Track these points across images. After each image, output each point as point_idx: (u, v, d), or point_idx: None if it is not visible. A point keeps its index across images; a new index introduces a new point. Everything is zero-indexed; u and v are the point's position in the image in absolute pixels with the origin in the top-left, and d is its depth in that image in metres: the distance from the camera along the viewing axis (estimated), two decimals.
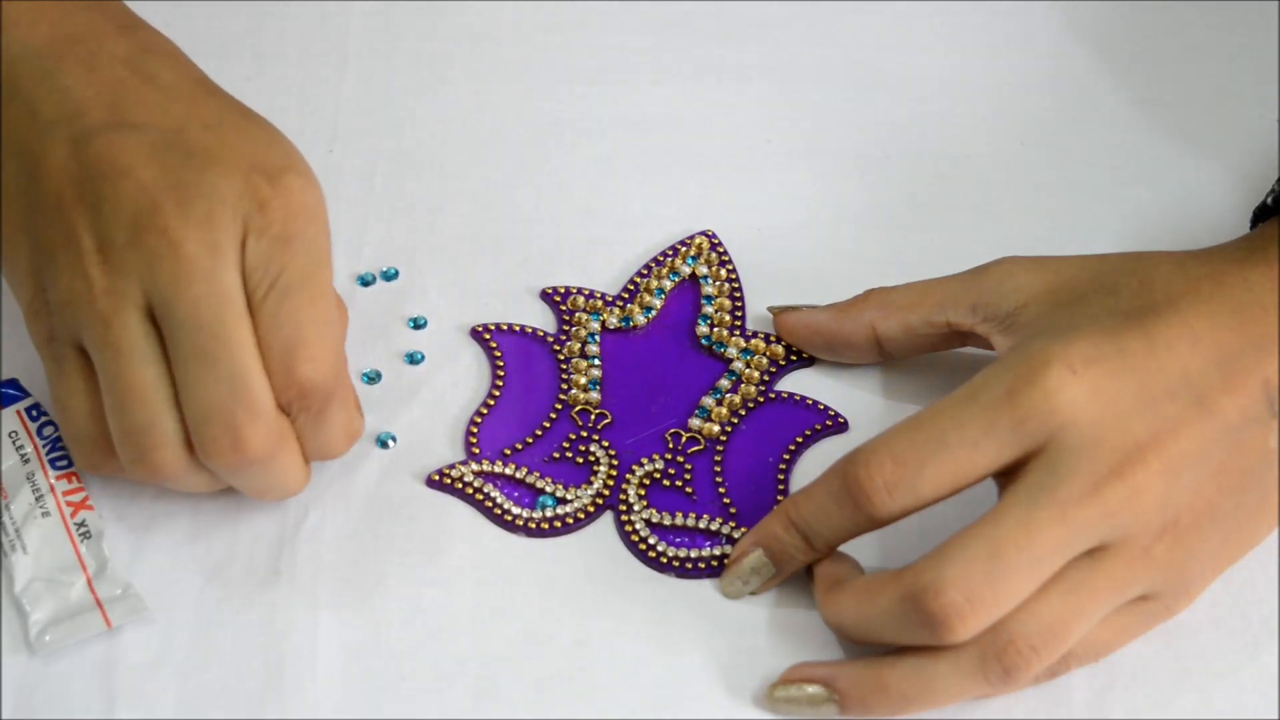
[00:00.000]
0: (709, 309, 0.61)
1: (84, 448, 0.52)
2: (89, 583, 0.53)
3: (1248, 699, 0.52)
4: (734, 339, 0.60)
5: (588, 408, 0.59)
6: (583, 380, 0.59)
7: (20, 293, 0.53)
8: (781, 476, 0.57)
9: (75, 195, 0.51)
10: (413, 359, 0.60)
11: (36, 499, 0.55)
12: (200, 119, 0.52)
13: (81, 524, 0.54)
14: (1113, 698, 0.52)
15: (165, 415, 0.50)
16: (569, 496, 0.56)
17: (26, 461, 0.55)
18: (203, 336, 0.49)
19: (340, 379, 0.52)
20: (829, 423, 0.58)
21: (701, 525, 0.56)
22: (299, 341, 0.50)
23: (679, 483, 0.57)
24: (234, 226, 0.50)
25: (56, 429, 0.56)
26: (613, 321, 0.61)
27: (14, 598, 0.53)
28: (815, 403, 0.59)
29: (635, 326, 0.61)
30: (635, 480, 0.57)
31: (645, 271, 0.62)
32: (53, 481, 0.55)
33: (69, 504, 0.55)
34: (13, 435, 0.56)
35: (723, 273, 0.62)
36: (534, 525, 0.56)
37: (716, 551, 0.55)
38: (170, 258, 0.49)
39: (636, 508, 0.56)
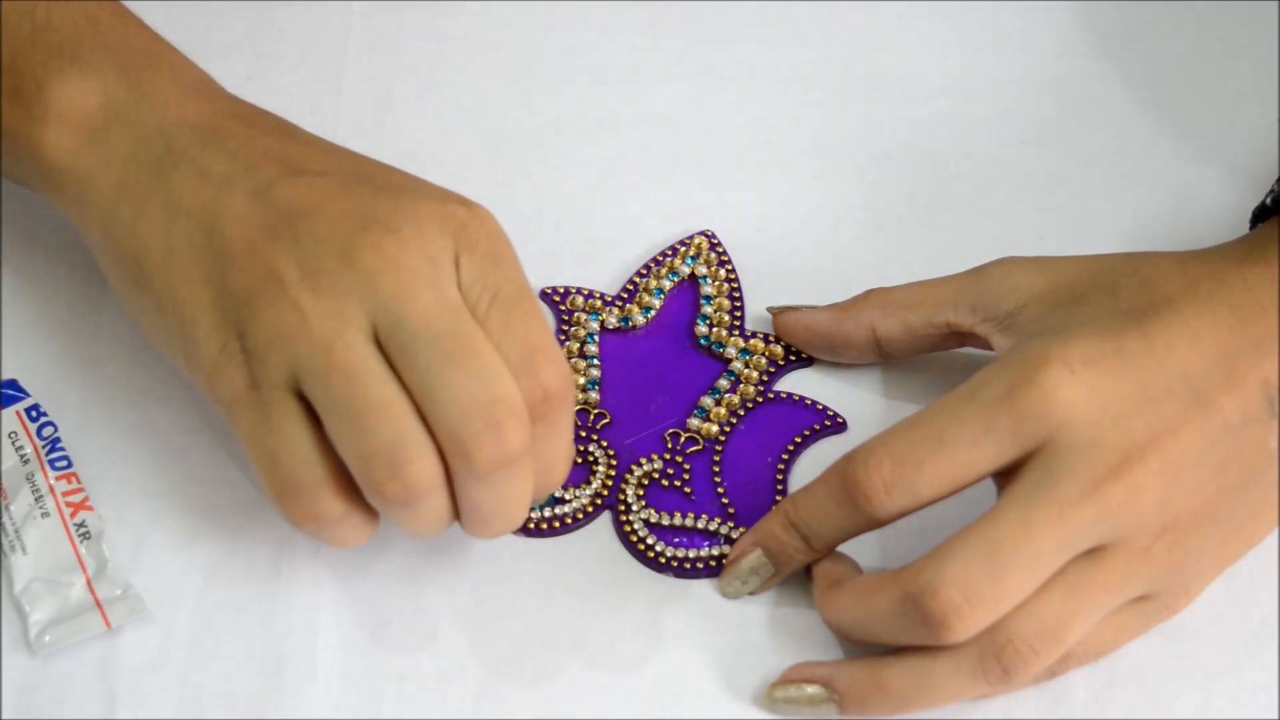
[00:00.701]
0: (708, 309, 0.61)
1: (306, 495, 0.49)
2: (89, 583, 0.53)
3: (1248, 699, 0.52)
4: (733, 339, 0.60)
5: (586, 407, 0.59)
6: (581, 380, 0.59)
7: (201, 350, 0.50)
8: (780, 477, 0.57)
9: (268, 237, 0.49)
10: None
11: (36, 499, 0.55)
12: (372, 165, 0.52)
13: (81, 524, 0.54)
14: (1113, 698, 0.52)
15: (415, 426, 0.48)
16: (567, 496, 0.56)
17: (26, 462, 0.55)
18: (444, 342, 0.48)
19: (573, 388, 0.51)
20: (828, 423, 0.58)
21: (700, 525, 0.56)
22: (538, 347, 0.49)
23: (677, 483, 0.57)
24: (445, 243, 0.49)
25: (56, 429, 0.56)
26: (612, 321, 0.61)
27: (14, 598, 0.53)
28: (814, 403, 0.59)
29: (634, 326, 0.61)
30: (634, 480, 0.57)
31: (644, 271, 0.62)
32: (52, 482, 0.55)
33: (68, 504, 0.55)
34: (12, 436, 0.56)
35: (722, 273, 0.62)
36: (532, 525, 0.56)
37: (715, 551, 0.55)
38: (391, 271, 0.48)
39: (635, 508, 0.56)
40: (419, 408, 0.48)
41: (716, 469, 0.57)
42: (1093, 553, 0.48)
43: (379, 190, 0.50)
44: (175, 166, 0.52)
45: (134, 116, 0.53)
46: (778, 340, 0.60)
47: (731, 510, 0.56)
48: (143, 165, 0.52)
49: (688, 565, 0.55)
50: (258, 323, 0.49)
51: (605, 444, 0.58)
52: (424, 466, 0.48)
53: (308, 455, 0.49)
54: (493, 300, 0.49)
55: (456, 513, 0.50)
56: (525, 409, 0.49)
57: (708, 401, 0.59)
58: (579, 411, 0.58)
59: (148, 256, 0.51)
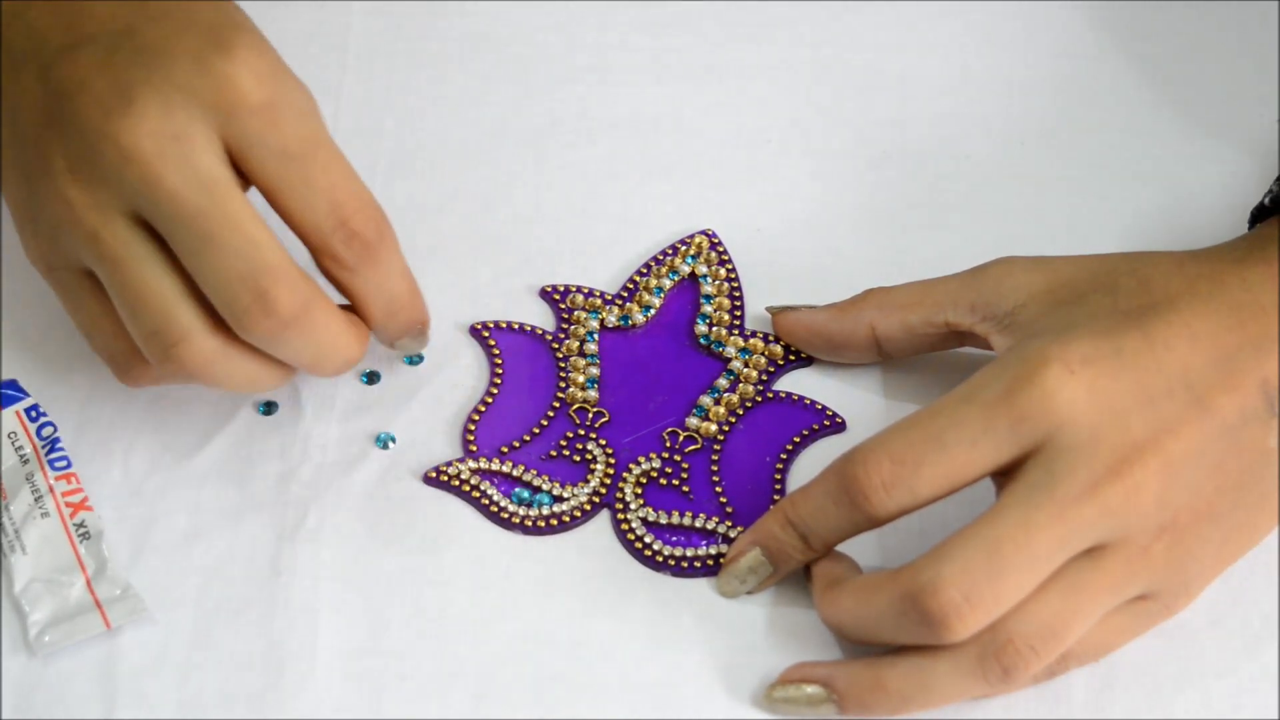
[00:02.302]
0: (708, 308, 0.61)
1: (119, 364, 0.53)
2: (88, 583, 0.53)
3: (1248, 699, 0.52)
4: (733, 338, 0.60)
5: (586, 406, 0.59)
6: (581, 379, 0.59)
7: (16, 226, 0.53)
8: (779, 476, 0.57)
9: (45, 121, 0.51)
10: (411, 360, 0.60)
11: (36, 500, 0.55)
12: (149, 14, 0.52)
13: (81, 524, 0.54)
14: (1113, 698, 0.52)
15: (180, 306, 0.50)
16: (565, 494, 0.56)
17: (26, 462, 0.56)
18: (200, 221, 0.48)
19: (391, 229, 0.51)
20: (827, 423, 0.58)
21: (698, 524, 0.56)
22: (344, 196, 0.50)
23: (676, 481, 0.57)
24: (198, 110, 0.49)
25: (56, 429, 0.56)
26: (611, 320, 0.61)
27: (13, 598, 0.53)
28: (813, 403, 0.59)
29: (634, 325, 0.61)
30: (632, 479, 0.57)
31: (644, 270, 0.62)
32: (52, 482, 0.55)
33: (68, 504, 0.55)
34: (12, 436, 0.56)
35: (722, 272, 0.62)
36: (530, 523, 0.56)
37: (713, 550, 0.55)
38: (133, 162, 0.49)
39: (633, 506, 0.56)
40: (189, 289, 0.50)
41: (715, 468, 0.57)
42: (1092, 552, 0.48)
43: (137, 55, 0.50)
44: (1, 42, 0.53)
45: None
46: (777, 340, 0.60)
47: (730, 509, 0.56)
48: None
49: (686, 564, 0.55)
50: (42, 209, 0.51)
51: (604, 442, 0.58)
52: (191, 346, 0.50)
53: (112, 329, 0.52)
54: (281, 158, 0.49)
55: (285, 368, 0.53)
56: (293, 269, 0.49)
57: (707, 401, 0.59)
58: (578, 410, 0.58)
59: None
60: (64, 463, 0.56)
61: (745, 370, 0.60)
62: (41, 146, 0.51)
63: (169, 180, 0.49)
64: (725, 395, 0.59)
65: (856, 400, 0.59)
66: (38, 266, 0.53)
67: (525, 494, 0.56)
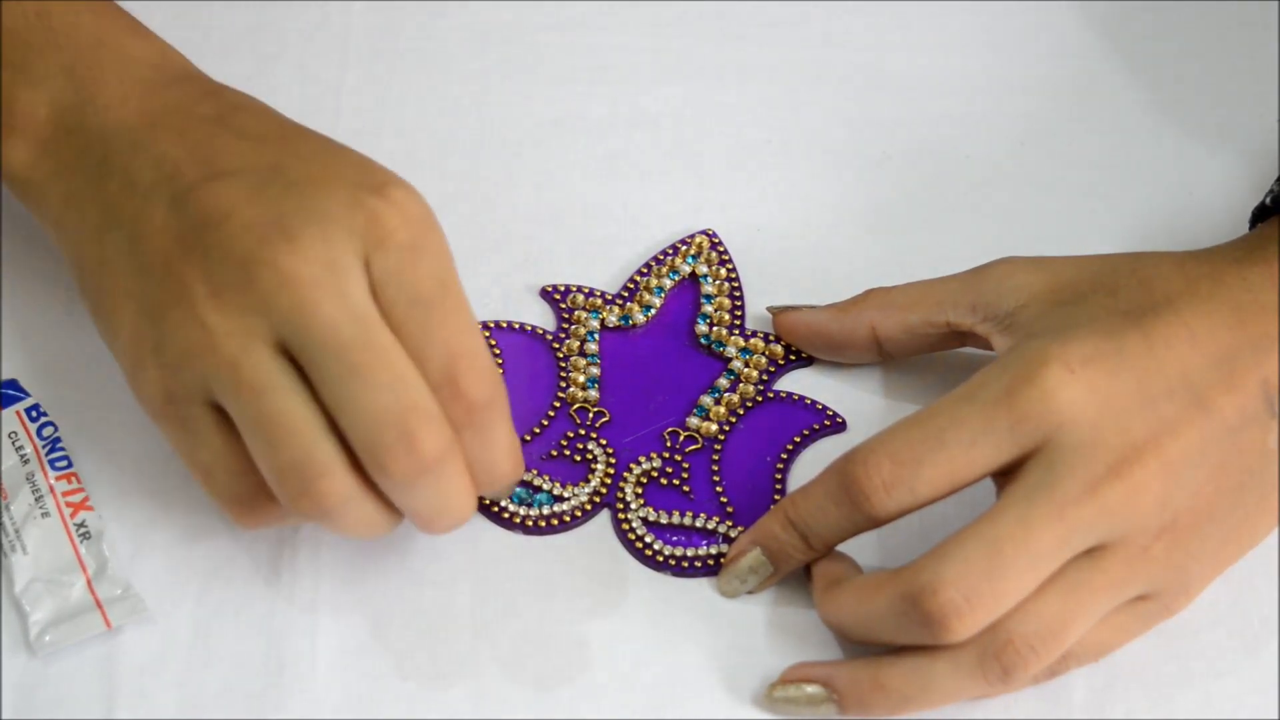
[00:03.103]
0: (708, 308, 0.61)
1: (243, 506, 0.50)
2: (89, 583, 0.53)
3: (1248, 699, 0.53)
4: (733, 338, 0.60)
5: (586, 406, 0.59)
6: (581, 378, 0.59)
7: (123, 362, 0.51)
8: (779, 476, 0.57)
9: (181, 250, 0.49)
10: None
11: (36, 499, 0.55)
12: (294, 154, 0.51)
13: (81, 524, 0.54)
14: (1113, 698, 0.52)
15: (322, 441, 0.48)
16: (566, 494, 0.56)
17: (26, 462, 0.56)
18: (352, 353, 0.47)
19: (502, 392, 0.50)
20: (827, 422, 0.58)
21: (699, 524, 0.56)
22: (458, 352, 0.49)
23: (676, 481, 0.57)
24: (351, 243, 0.48)
25: (56, 429, 0.56)
26: (612, 320, 0.61)
27: (14, 598, 0.53)
28: (814, 402, 0.59)
29: (634, 325, 0.61)
30: (633, 479, 0.57)
31: (645, 270, 0.62)
32: (52, 482, 0.55)
33: (69, 504, 0.55)
34: (12, 436, 0.56)
35: (722, 272, 0.62)
36: (530, 523, 0.56)
37: (713, 550, 0.55)
38: (289, 286, 0.47)
39: (634, 506, 0.56)
40: (336, 420, 0.48)
41: (715, 468, 0.57)
42: (1092, 552, 0.48)
43: (289, 189, 0.49)
44: (110, 175, 0.52)
45: (78, 124, 0.53)
46: (778, 340, 0.60)
47: (730, 509, 0.56)
48: (84, 174, 0.53)
49: (686, 564, 0.55)
50: (171, 339, 0.49)
51: (604, 442, 0.58)
52: (333, 482, 0.48)
53: (238, 467, 0.49)
54: (410, 302, 0.49)
55: (400, 514, 0.51)
56: (440, 414, 0.48)
57: (707, 400, 0.59)
58: (579, 410, 0.58)
59: (85, 266, 0.52)
60: (64, 463, 0.56)
61: (746, 370, 0.60)
62: (175, 275, 0.49)
63: (325, 308, 0.47)
64: (726, 395, 0.59)
65: (857, 400, 0.59)
66: (151, 403, 0.50)
67: (525, 494, 0.56)
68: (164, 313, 0.49)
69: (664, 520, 0.56)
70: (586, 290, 0.62)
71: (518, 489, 0.56)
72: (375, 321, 0.48)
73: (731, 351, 0.60)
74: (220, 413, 0.49)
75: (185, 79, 0.55)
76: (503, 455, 0.51)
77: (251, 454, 0.49)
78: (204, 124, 0.53)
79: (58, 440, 0.56)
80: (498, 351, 0.60)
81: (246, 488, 0.50)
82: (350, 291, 0.48)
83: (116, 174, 0.52)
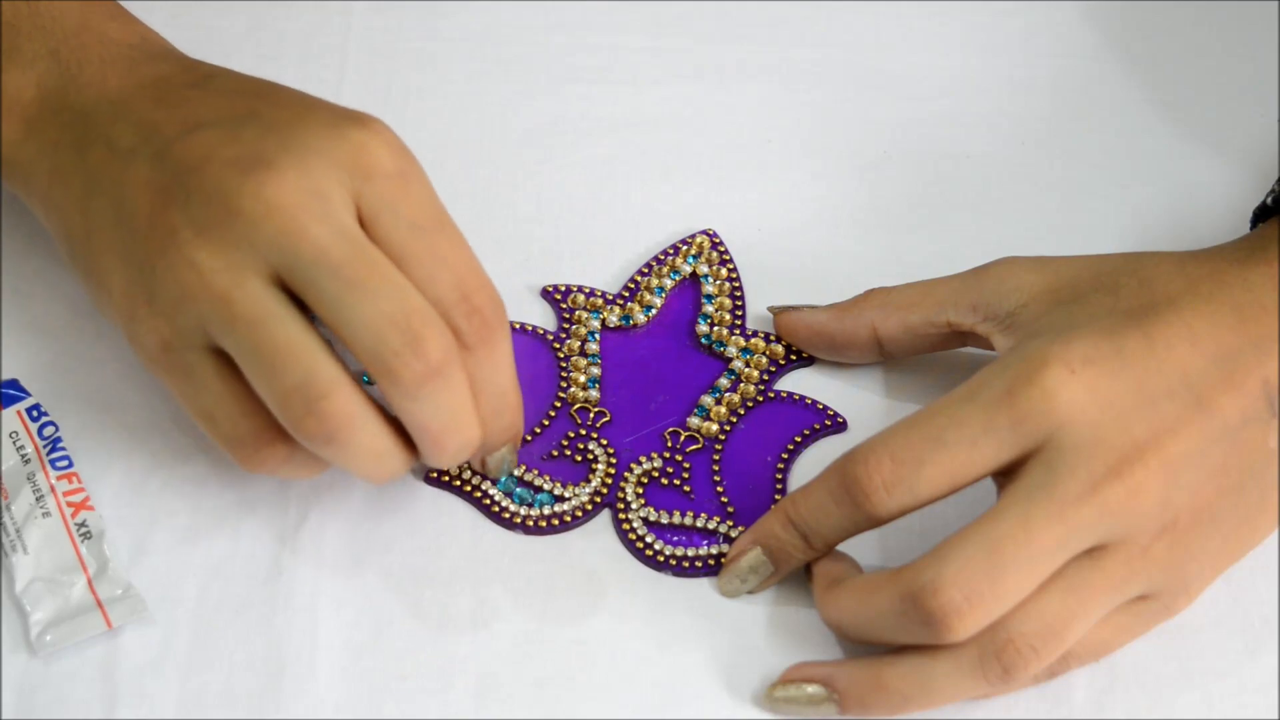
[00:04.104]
0: (709, 308, 0.61)
1: (246, 448, 0.51)
2: (89, 583, 0.53)
3: (1248, 699, 0.52)
4: (734, 338, 0.60)
5: (587, 406, 0.59)
6: (582, 378, 0.59)
7: (117, 318, 0.52)
8: (780, 476, 0.57)
9: (164, 200, 0.50)
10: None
11: (37, 499, 0.55)
12: (270, 103, 0.52)
13: (82, 524, 0.54)
14: (1113, 698, 0.52)
15: (324, 361, 0.49)
16: (567, 494, 0.56)
17: (27, 462, 0.56)
18: (344, 268, 0.48)
19: (503, 308, 0.51)
20: (828, 422, 0.58)
21: (699, 524, 0.56)
22: (468, 272, 0.50)
23: (677, 481, 0.57)
24: (334, 172, 0.49)
25: (57, 429, 0.56)
26: (613, 320, 0.61)
27: (14, 598, 0.53)
28: (814, 402, 0.59)
29: (635, 325, 0.61)
30: (633, 479, 0.57)
31: (646, 270, 0.62)
32: (53, 482, 0.55)
33: (69, 504, 0.55)
34: (13, 435, 0.56)
35: (723, 272, 0.62)
36: (531, 523, 0.56)
37: (714, 550, 0.55)
38: (275, 213, 0.48)
39: (634, 506, 0.56)
40: (338, 338, 0.49)
41: (716, 468, 0.57)
42: (1093, 552, 0.49)
43: (267, 130, 0.50)
44: (93, 145, 0.53)
45: (62, 103, 0.54)
46: (778, 339, 0.60)
47: (731, 509, 0.56)
48: (68, 149, 0.53)
49: (687, 564, 0.55)
50: (162, 285, 0.50)
51: (605, 442, 0.58)
52: (337, 400, 0.48)
53: (240, 408, 0.50)
54: (410, 227, 0.49)
55: (410, 451, 0.51)
56: (440, 319, 0.49)
57: (708, 400, 0.59)
58: (580, 410, 0.58)
59: (73, 235, 0.53)
60: (65, 462, 0.56)
61: (746, 370, 0.60)
62: (160, 224, 0.50)
63: (312, 230, 0.48)
64: (726, 395, 0.59)
65: (857, 400, 0.59)
66: (149, 354, 0.51)
67: (526, 494, 0.56)
68: (153, 262, 0.50)
69: (664, 520, 0.56)
70: (587, 290, 0.62)
71: (518, 489, 0.56)
72: (362, 240, 0.49)
73: (732, 351, 0.60)
74: (219, 356, 0.50)
75: (164, 56, 0.56)
76: (507, 384, 0.52)
77: (254, 387, 0.49)
78: (182, 89, 0.54)
79: (58, 440, 0.56)
80: None
81: (250, 429, 0.50)
82: (335, 213, 0.48)
83: (98, 143, 0.53)
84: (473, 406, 0.51)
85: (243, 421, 0.50)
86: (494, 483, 0.56)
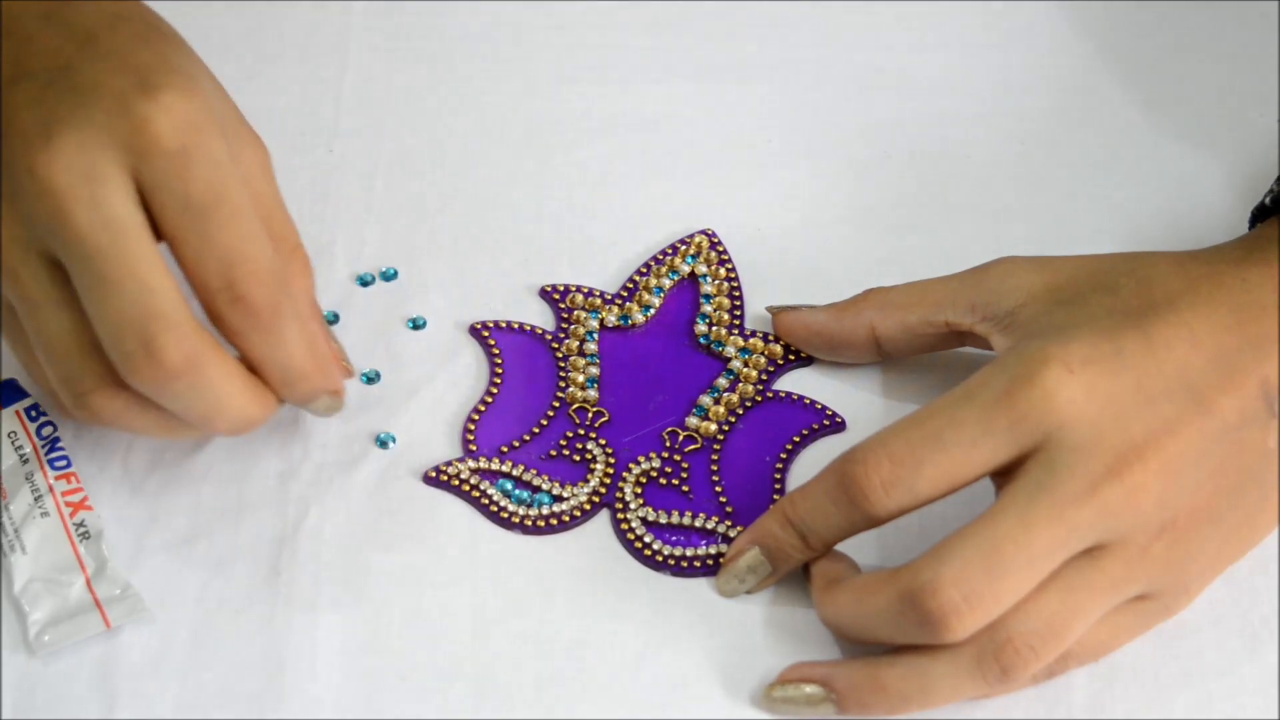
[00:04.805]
0: (708, 308, 0.61)
1: (46, 402, 0.53)
2: (88, 583, 0.53)
3: (1248, 699, 0.52)
4: (732, 338, 0.60)
5: (585, 405, 0.59)
6: (580, 378, 0.59)
7: None
8: (778, 476, 0.57)
9: None
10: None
11: (35, 499, 0.55)
12: (93, 53, 0.51)
13: (80, 524, 0.54)
14: (1113, 698, 0.52)
15: (87, 358, 0.49)
16: (565, 494, 0.56)
17: (25, 461, 0.56)
18: (98, 261, 0.48)
19: (288, 298, 0.50)
20: (826, 422, 0.58)
21: (698, 524, 0.56)
22: (236, 258, 0.49)
23: (675, 481, 0.57)
24: (111, 151, 0.48)
25: (56, 429, 0.56)
26: (611, 320, 0.61)
27: (13, 598, 0.53)
28: (813, 402, 0.59)
29: (634, 325, 0.61)
30: (632, 478, 0.57)
31: (644, 270, 0.62)
32: (52, 482, 0.55)
33: (68, 504, 0.55)
34: (12, 435, 0.56)
35: (722, 271, 0.62)
36: (530, 523, 0.56)
37: (712, 550, 0.55)
38: (44, 195, 0.48)
39: (633, 506, 0.56)
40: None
41: (715, 468, 0.57)
42: (1091, 552, 0.48)
43: (69, 93, 0.49)
44: None
45: None
46: (777, 339, 0.60)
47: (729, 509, 0.56)
48: None
49: (685, 564, 0.55)
50: None
51: (604, 442, 0.58)
52: (101, 398, 0.50)
53: (38, 366, 0.52)
54: (182, 208, 0.49)
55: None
56: (187, 320, 0.48)
57: (706, 400, 0.59)
58: (578, 410, 0.58)
59: None
60: (64, 462, 0.56)
61: (745, 370, 0.60)
62: None
63: (76, 217, 0.48)
64: (725, 395, 0.59)
65: (856, 400, 0.59)
66: None
67: (525, 494, 0.56)
68: None
69: (663, 520, 0.56)
70: (586, 290, 0.62)
71: (518, 490, 0.56)
72: (131, 229, 0.48)
73: (731, 351, 0.60)
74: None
75: None
76: (297, 357, 0.51)
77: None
78: (28, 20, 0.52)
79: (57, 440, 0.56)
80: (497, 351, 0.60)
81: (46, 386, 0.52)
82: (104, 200, 0.48)
83: None
84: (238, 387, 0.50)
85: (41, 378, 0.52)
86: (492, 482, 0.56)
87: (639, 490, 0.56)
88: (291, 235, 0.55)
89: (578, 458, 0.57)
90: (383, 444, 0.58)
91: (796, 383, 0.60)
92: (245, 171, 0.52)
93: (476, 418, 0.58)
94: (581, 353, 0.60)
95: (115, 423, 0.51)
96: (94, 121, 0.49)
